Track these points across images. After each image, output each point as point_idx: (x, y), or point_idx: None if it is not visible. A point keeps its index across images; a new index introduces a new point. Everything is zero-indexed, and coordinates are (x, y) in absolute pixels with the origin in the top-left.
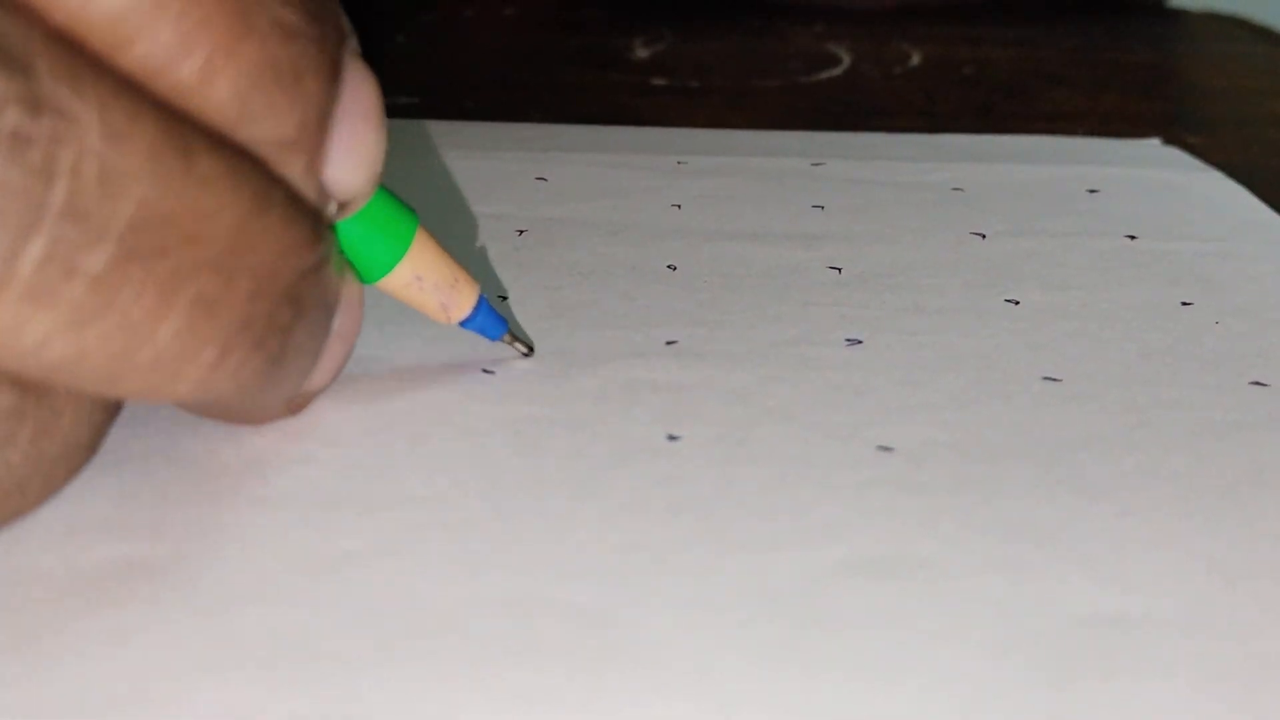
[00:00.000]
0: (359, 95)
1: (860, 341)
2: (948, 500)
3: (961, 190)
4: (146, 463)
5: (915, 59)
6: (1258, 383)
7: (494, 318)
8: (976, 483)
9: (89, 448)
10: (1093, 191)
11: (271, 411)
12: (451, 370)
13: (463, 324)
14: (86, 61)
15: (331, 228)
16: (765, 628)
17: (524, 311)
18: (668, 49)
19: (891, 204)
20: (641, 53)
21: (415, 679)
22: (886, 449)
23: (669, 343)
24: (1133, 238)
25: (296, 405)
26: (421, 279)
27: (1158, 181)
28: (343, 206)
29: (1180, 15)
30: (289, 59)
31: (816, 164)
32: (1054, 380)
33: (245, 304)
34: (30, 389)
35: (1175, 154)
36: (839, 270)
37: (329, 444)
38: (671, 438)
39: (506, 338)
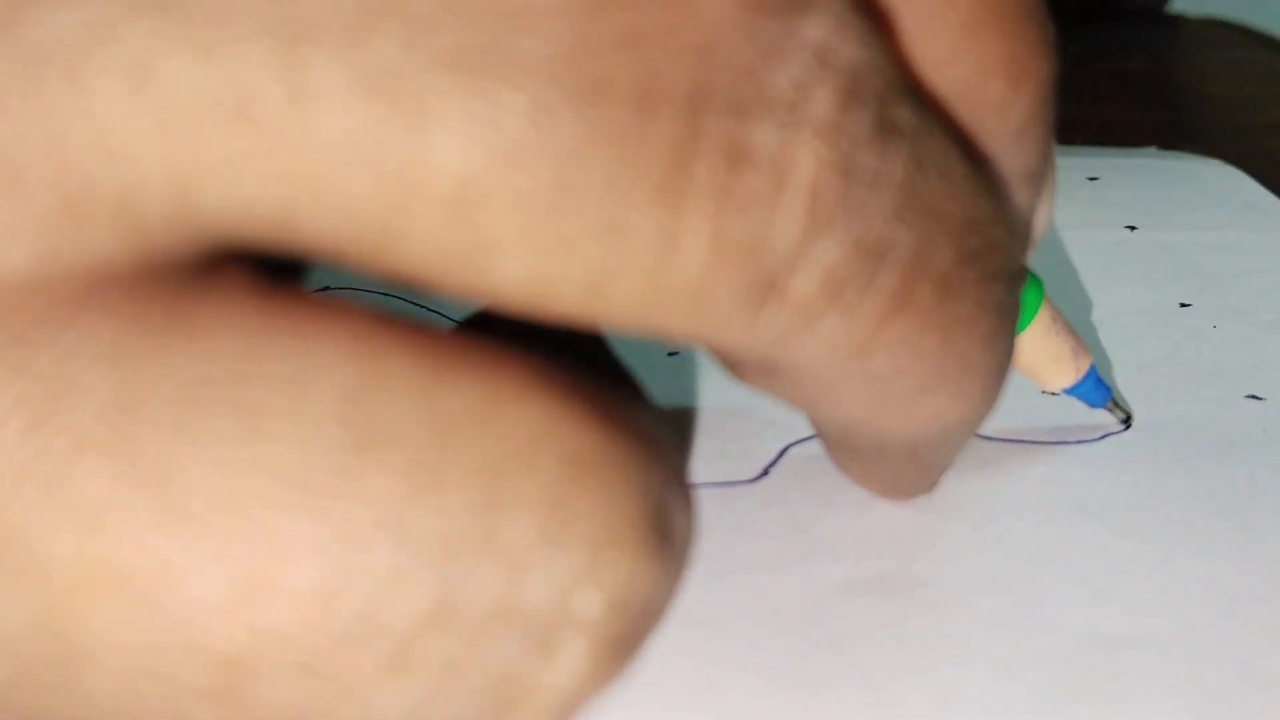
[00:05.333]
0: None
1: None
2: (946, 518)
3: None
4: None
5: None
6: (1254, 396)
7: (1100, 383)
8: (974, 499)
9: None
10: (1093, 179)
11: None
12: None
13: (1070, 389)
14: None
15: None
16: (769, 646)
17: None
18: None
19: None
20: None
21: None
22: None
23: (670, 354)
24: (1132, 228)
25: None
26: (1056, 319)
27: (1158, 167)
28: None
29: (1180, 21)
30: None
31: None
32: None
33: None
34: None
35: (1174, 154)
36: None
37: None
38: None
39: (1110, 404)
